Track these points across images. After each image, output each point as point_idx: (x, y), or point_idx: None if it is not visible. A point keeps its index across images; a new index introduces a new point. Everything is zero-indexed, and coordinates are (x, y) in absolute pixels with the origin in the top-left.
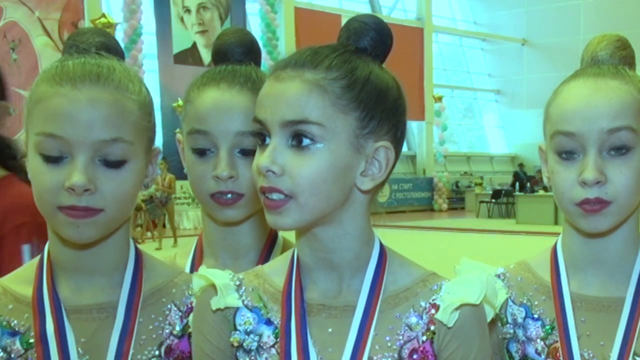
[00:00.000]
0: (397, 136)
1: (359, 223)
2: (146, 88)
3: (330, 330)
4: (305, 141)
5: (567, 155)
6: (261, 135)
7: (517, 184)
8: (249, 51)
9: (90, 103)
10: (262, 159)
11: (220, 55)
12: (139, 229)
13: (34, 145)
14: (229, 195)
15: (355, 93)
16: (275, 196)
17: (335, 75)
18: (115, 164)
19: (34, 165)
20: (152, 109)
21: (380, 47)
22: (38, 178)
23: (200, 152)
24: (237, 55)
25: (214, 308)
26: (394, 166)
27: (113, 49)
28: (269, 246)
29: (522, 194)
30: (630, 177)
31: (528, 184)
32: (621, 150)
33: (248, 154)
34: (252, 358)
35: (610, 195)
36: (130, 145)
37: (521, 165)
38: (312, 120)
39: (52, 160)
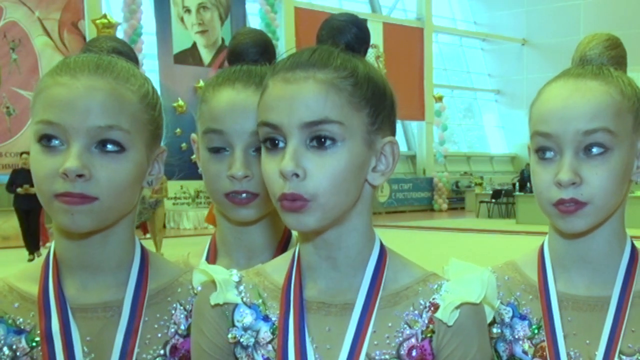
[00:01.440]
0: (394, 129)
1: (365, 219)
2: (152, 87)
3: (328, 328)
4: (327, 141)
5: (544, 155)
6: (272, 140)
7: (518, 184)
8: (264, 51)
9: (87, 90)
10: (285, 163)
11: (236, 55)
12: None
13: (33, 134)
14: (244, 195)
15: (363, 90)
16: (297, 203)
17: (344, 74)
18: (111, 151)
19: (33, 154)
20: (158, 107)
21: (363, 42)
22: (36, 166)
23: (215, 152)
24: (252, 55)
25: (212, 303)
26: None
27: (125, 54)
28: (283, 245)
29: (522, 194)
30: (607, 178)
31: (528, 184)
32: (598, 151)
33: None
34: (249, 354)
35: (586, 196)
36: (128, 135)
37: (529, 165)
38: (332, 120)
39: (50, 147)
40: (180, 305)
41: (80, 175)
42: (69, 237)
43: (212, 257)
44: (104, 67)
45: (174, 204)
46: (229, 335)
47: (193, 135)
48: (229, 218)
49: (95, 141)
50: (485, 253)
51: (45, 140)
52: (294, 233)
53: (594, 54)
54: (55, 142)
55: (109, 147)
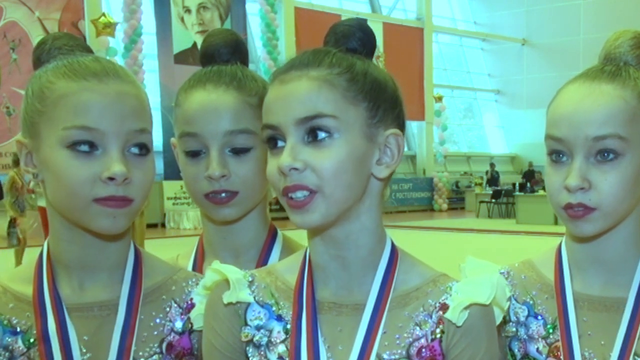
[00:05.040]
0: (401, 124)
1: (374, 217)
2: None
3: (340, 328)
4: (321, 135)
5: (556, 158)
6: (273, 140)
7: (486, 182)
8: (234, 51)
9: (119, 96)
10: (282, 158)
11: (207, 57)
12: None
13: (59, 141)
14: (223, 194)
15: (359, 85)
16: (299, 194)
17: (338, 70)
18: (142, 154)
19: (60, 160)
20: None
21: (368, 46)
22: (68, 172)
23: (192, 154)
24: (223, 55)
25: (225, 302)
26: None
27: (90, 51)
28: (269, 243)
29: (522, 194)
30: (617, 184)
31: (528, 184)
32: (608, 157)
33: (239, 152)
34: (262, 353)
35: (594, 202)
36: (150, 136)
37: (493, 165)
38: (326, 114)
39: (85, 153)
40: (175, 303)
41: (125, 179)
42: (76, 240)
43: (199, 258)
44: (123, 73)
45: (174, 204)
46: (242, 334)
47: (173, 140)
48: (213, 219)
49: (129, 145)
50: (486, 253)
51: (79, 145)
52: (280, 230)
53: (619, 53)
54: (88, 148)
55: (141, 150)
